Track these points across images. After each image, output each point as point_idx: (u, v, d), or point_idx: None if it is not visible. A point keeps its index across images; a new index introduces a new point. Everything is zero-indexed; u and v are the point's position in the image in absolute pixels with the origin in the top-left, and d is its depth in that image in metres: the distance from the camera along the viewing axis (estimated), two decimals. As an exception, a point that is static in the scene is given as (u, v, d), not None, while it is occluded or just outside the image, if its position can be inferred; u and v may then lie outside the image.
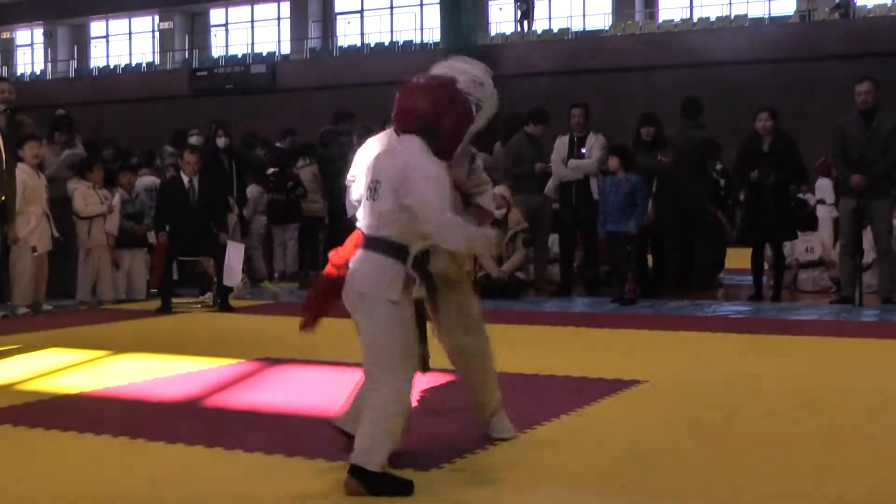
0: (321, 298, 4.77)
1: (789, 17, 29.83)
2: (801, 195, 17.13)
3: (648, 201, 11.74)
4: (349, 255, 4.65)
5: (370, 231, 4.58)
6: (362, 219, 4.68)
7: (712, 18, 30.43)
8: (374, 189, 4.56)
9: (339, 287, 4.64)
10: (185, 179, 11.70)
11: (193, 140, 15.61)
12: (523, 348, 8.62)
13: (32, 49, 45.15)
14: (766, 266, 12.13)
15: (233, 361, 7.96)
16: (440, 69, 5.07)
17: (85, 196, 12.16)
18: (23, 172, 10.91)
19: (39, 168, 11.66)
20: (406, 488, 4.48)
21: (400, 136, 4.65)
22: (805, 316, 10.56)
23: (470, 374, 5.40)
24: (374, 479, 4.42)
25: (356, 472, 4.43)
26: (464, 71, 5.03)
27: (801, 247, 12.87)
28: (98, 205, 12.17)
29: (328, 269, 4.75)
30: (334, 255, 4.74)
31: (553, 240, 13.59)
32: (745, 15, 30.10)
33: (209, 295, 12.14)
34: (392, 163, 4.54)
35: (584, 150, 12.56)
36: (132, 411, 6.40)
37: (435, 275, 4.95)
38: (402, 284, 4.51)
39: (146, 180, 14.12)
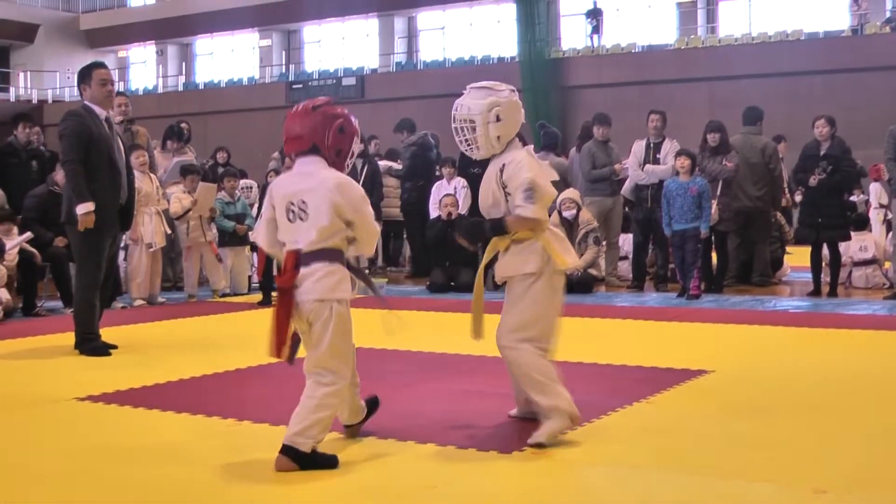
0: (285, 323, 4.65)
1: (842, 31, 29.35)
2: (852, 198, 16.87)
3: (712, 203, 11.65)
4: (294, 276, 4.60)
5: (311, 246, 4.60)
6: (294, 239, 4.64)
7: (770, 33, 30.01)
8: (301, 210, 4.61)
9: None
10: (285, 184, 11.78)
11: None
12: (596, 340, 8.59)
13: (145, 66, 45.82)
14: (822, 264, 11.96)
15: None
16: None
17: (180, 199, 12.29)
18: (135, 179, 11.06)
19: (151, 171, 11.85)
20: (331, 462, 4.58)
21: (298, 159, 4.75)
22: (860, 311, 10.38)
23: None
24: (304, 457, 4.52)
25: (287, 451, 4.53)
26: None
27: (856, 246, 12.68)
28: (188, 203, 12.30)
29: (281, 295, 4.65)
30: (282, 281, 4.63)
31: (624, 239, 13.53)
32: (801, 30, 29.64)
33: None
34: (314, 183, 4.63)
35: (660, 156, 12.48)
36: (237, 395, 6.44)
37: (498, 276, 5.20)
38: (350, 285, 4.67)
39: (243, 182, 14.41)
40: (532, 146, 5.44)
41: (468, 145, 5.17)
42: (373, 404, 5.21)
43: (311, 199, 4.61)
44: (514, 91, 5.22)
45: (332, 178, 4.65)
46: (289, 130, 4.75)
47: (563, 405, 4.98)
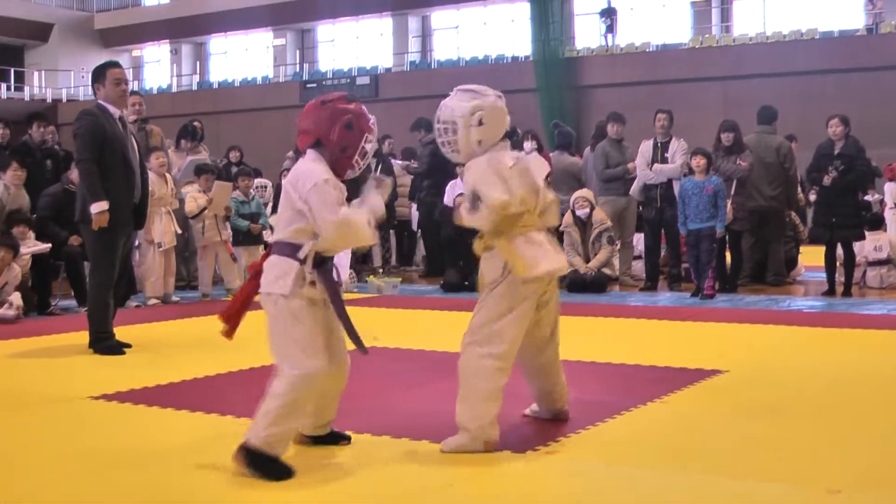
0: (238, 307, 4.78)
1: (857, 30, 29.26)
2: (867, 197, 16.81)
3: (727, 202, 11.61)
4: (260, 264, 4.70)
5: (274, 238, 4.68)
6: None
7: (784, 32, 29.93)
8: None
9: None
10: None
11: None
12: (610, 340, 8.59)
13: (160, 65, 45.95)
14: (837, 264, 11.92)
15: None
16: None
17: (195, 199, 12.31)
18: (149, 180, 11.10)
19: (168, 171, 11.91)
20: (283, 474, 4.41)
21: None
22: (875, 311, 10.34)
23: None
24: (251, 455, 4.42)
25: (241, 447, 4.46)
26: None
27: (870, 245, 12.65)
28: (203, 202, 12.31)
29: (250, 279, 4.79)
30: (252, 265, 4.81)
31: (637, 238, 13.51)
32: (816, 29, 29.54)
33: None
34: (290, 176, 4.69)
35: (667, 155, 12.44)
36: (251, 394, 6.43)
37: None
38: (294, 279, 4.51)
39: (258, 181, 14.50)
40: (514, 149, 5.29)
41: (449, 147, 5.08)
42: (339, 436, 5.00)
43: (283, 191, 4.70)
44: (500, 97, 5.09)
45: (293, 171, 4.68)
46: (299, 125, 4.75)
47: (476, 432, 4.78)
